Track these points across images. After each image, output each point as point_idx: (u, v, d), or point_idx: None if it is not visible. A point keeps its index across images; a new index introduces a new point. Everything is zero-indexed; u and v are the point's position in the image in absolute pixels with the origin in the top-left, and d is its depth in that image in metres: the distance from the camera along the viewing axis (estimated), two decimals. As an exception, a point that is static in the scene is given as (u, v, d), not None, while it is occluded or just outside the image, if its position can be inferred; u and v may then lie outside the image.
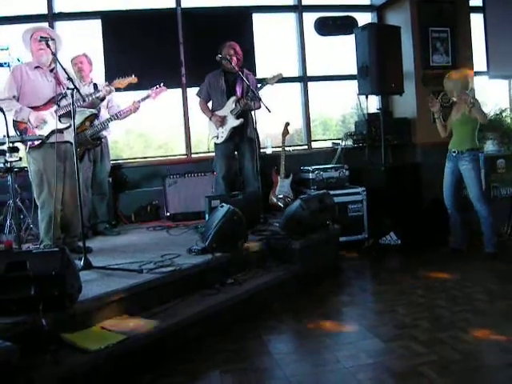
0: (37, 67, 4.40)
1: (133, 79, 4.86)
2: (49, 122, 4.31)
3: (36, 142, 4.29)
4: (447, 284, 4.53)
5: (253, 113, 5.53)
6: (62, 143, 4.41)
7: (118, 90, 4.78)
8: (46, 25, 4.84)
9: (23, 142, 4.24)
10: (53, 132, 4.29)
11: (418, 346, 3.25)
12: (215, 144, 5.84)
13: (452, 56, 6.90)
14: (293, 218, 4.88)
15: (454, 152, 5.34)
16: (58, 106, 4.36)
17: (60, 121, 4.33)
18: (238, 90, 5.74)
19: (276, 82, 5.57)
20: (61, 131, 4.36)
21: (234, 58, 5.63)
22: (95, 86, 5.48)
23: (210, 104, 5.90)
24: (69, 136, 4.38)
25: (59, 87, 4.40)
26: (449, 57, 6.90)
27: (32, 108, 4.31)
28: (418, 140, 6.84)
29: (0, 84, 4.43)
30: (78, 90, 3.95)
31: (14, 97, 4.29)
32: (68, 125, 4.33)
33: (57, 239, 4.40)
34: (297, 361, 3.23)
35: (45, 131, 4.31)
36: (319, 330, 3.66)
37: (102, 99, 4.77)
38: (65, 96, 4.38)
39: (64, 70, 4.07)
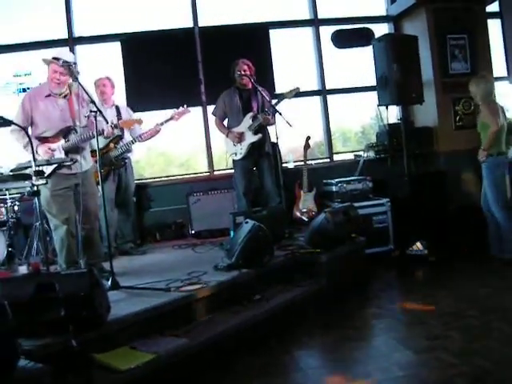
0: (48, 96, 4.29)
1: (138, 120, 4.87)
2: (56, 156, 4.24)
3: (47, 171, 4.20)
4: (479, 294, 4.46)
5: (273, 128, 5.52)
6: (72, 175, 4.31)
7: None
8: (66, 49, 4.88)
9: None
10: (59, 166, 4.25)
11: (451, 357, 3.19)
12: (233, 161, 5.86)
13: (471, 62, 6.85)
14: (318, 231, 4.86)
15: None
16: (66, 140, 4.29)
17: (67, 155, 4.27)
18: (254, 105, 5.76)
19: (293, 96, 5.57)
20: (69, 166, 4.28)
21: (248, 74, 5.64)
22: (117, 108, 5.57)
23: (225, 122, 5.92)
24: (78, 167, 4.28)
25: (72, 115, 4.31)
26: (468, 63, 6.85)
27: (42, 139, 4.27)
28: (441, 148, 6.79)
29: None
30: (101, 113, 3.97)
31: (23, 126, 4.10)
32: (72, 162, 4.24)
33: (72, 263, 4.31)
34: (328, 375, 3.21)
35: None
36: (349, 344, 3.62)
37: (106, 137, 4.71)
38: (73, 129, 4.31)
39: (87, 93, 4.08)
